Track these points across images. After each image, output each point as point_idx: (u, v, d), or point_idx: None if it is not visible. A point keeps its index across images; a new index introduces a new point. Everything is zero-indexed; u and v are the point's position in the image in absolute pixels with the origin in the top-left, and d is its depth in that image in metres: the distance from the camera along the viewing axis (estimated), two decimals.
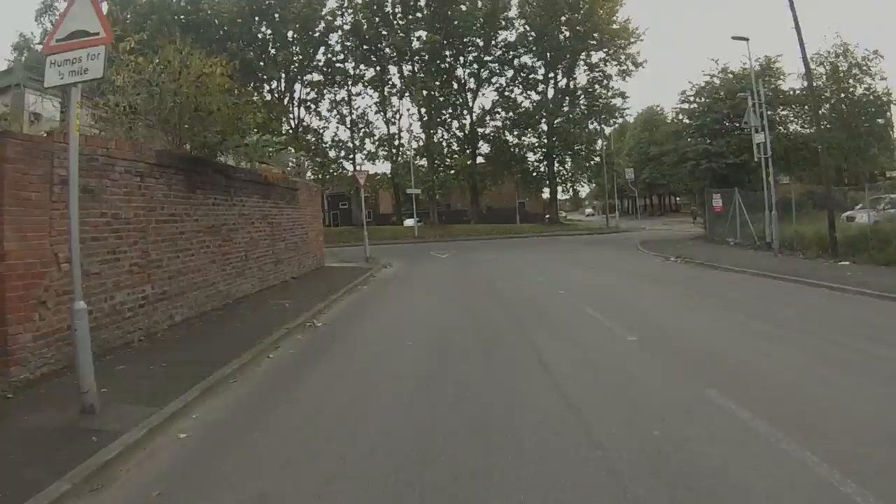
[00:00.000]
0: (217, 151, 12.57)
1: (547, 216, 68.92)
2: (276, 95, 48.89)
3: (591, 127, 48.19)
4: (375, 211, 77.62)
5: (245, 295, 14.30)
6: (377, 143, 50.44)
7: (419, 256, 27.78)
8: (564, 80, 49.17)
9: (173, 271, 11.05)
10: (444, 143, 51.25)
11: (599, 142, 47.11)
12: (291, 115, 50.56)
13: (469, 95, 51.47)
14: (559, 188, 51.20)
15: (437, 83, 46.62)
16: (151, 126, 11.99)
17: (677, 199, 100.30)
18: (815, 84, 28.49)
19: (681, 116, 31.39)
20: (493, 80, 51.62)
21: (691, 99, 30.87)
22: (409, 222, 57.96)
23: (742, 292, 13.36)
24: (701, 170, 27.79)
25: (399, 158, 49.60)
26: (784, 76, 29.08)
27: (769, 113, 28.67)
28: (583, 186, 50.63)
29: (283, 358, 8.66)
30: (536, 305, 12.08)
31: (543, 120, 48.02)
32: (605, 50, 46.17)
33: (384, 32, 44.74)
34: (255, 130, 13.89)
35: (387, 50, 47.60)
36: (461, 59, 50.29)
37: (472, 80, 52.05)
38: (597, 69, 47.64)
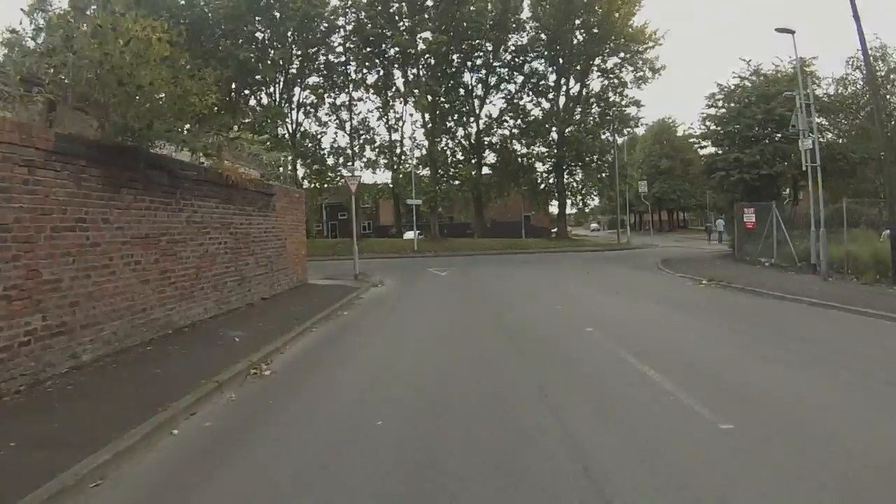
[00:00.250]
0: (150, 140, 9.74)
1: (554, 231, 66.29)
2: (274, 99, 46.16)
3: (603, 136, 45.45)
4: (375, 222, 75.04)
5: (192, 322, 11.48)
6: (377, 150, 47.67)
7: (416, 273, 25.01)
8: (577, 87, 46.59)
9: (80, 295, 8.25)
10: (449, 153, 48.51)
11: (612, 152, 44.22)
12: (289, 119, 47.87)
13: (476, 102, 48.85)
14: (568, 201, 48.34)
15: (443, 88, 43.90)
16: (78, 107, 9.36)
17: (685, 215, 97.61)
18: (848, 90, 25.66)
19: (707, 123, 28.54)
20: (502, 86, 49.03)
21: (719, 103, 28.04)
22: (409, 235, 55.28)
23: (819, 330, 10.55)
24: (732, 181, 24.91)
25: (400, 167, 46.79)
26: (819, 81, 26.22)
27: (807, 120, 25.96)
28: (593, 200, 47.77)
29: (190, 439, 5.79)
30: (562, 352, 9.12)
31: (554, 129, 45.28)
32: (621, 55, 43.50)
33: (388, 33, 41.98)
34: (204, 115, 11.00)
35: (391, 52, 44.93)
36: (469, 63, 47.66)
37: (479, 86, 49.50)
38: (611, 75, 44.99)
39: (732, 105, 26.51)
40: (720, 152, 26.66)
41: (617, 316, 12.46)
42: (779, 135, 25.13)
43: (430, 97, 42.07)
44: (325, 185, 49.34)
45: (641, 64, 43.73)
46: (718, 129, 27.11)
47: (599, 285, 18.76)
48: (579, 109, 45.78)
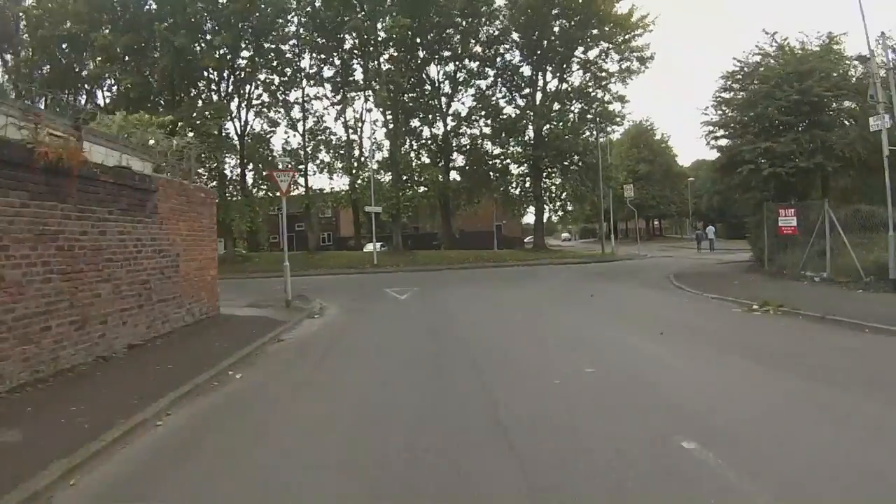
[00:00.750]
0: None
1: (528, 241, 61.72)
2: (220, 95, 40.68)
3: (584, 135, 40.92)
4: (335, 233, 69.74)
5: None
6: (333, 152, 42.47)
7: (370, 296, 20.02)
8: (555, 82, 42.05)
9: None
10: (413, 155, 43.58)
11: (595, 152, 39.67)
12: (237, 119, 42.43)
13: (443, 100, 44.01)
14: (546, 208, 43.57)
15: (406, 82, 38.92)
16: None
17: (661, 222, 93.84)
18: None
19: (723, 109, 23.84)
20: (472, 82, 44.25)
21: (736, 86, 23.40)
22: (370, 247, 50.20)
23: None
24: (763, 176, 20.29)
25: (359, 171, 41.59)
26: (849, 61, 21.84)
27: (833, 106, 21.64)
28: (571, 206, 42.78)
29: None
30: None
31: (530, 126, 40.64)
32: (604, 45, 39.07)
33: (346, 19, 36.81)
34: None
35: (349, 42, 39.91)
36: (436, 56, 42.89)
37: (447, 82, 44.71)
38: (593, 66, 40.50)
39: (756, 85, 21.93)
40: (739, 142, 21.98)
41: (712, 401, 6.75)
42: (805, 121, 20.81)
43: (391, 90, 37.00)
44: (277, 193, 43.84)
45: (628, 53, 39.36)
46: (738, 115, 22.41)
47: (621, 317, 13.81)
48: (557, 106, 41.23)
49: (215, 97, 40.06)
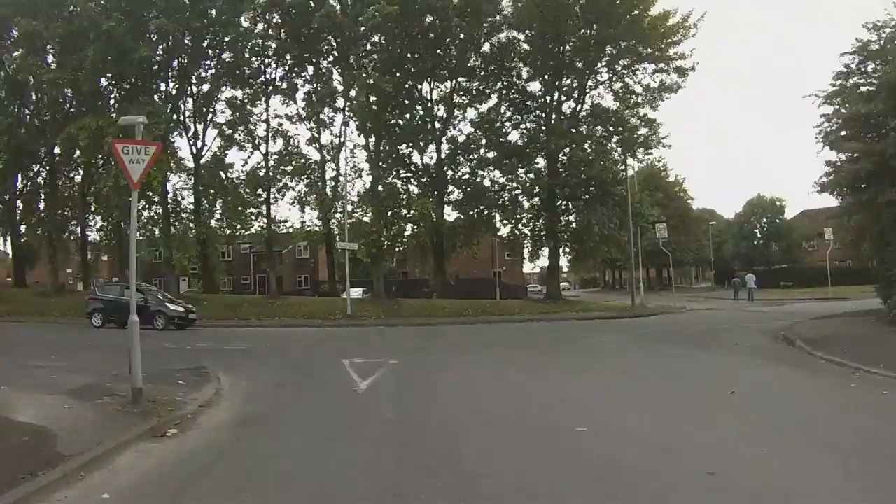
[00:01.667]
0: None
1: (533, 289, 54.26)
2: (164, 97, 33.42)
3: (612, 160, 33.54)
4: (313, 276, 61.95)
5: None
6: (306, 178, 34.94)
7: (313, 376, 12.03)
8: (571, 102, 34.90)
9: None
10: (400, 185, 36.23)
11: (624, 182, 32.14)
12: (186, 133, 35.09)
13: (437, 124, 36.78)
14: (562, 249, 35.46)
15: (392, 92, 31.50)
16: None
17: (670, 272, 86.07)
18: None
19: (838, 102, 16.76)
20: (472, 105, 37.20)
21: (862, 67, 16.21)
22: (354, 293, 42.32)
23: None
24: None
25: (334, 202, 33.94)
26: None
27: None
28: (603, 248, 34.33)
29: None
30: None
31: (542, 152, 33.37)
32: (639, 50, 31.74)
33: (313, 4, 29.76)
34: None
35: (323, 39, 32.84)
36: (428, 77, 35.93)
37: (441, 105, 37.71)
38: (622, 78, 33.36)
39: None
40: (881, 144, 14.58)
41: None
42: None
43: (372, 102, 29.66)
44: (241, 229, 36.12)
45: (663, 64, 32.27)
46: (883, 102, 15.01)
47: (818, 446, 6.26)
48: (582, 128, 33.97)
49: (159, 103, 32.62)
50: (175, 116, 34.04)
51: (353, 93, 30.20)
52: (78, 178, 37.95)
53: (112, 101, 34.57)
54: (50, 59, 34.13)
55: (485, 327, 24.75)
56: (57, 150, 34.85)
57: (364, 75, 28.48)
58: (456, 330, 23.69)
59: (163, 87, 34.21)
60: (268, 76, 35.60)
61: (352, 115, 31.76)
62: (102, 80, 33.40)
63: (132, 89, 32.85)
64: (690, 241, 68.55)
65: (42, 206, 37.53)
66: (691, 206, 71.36)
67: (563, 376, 11.48)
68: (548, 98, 34.47)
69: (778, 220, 65.11)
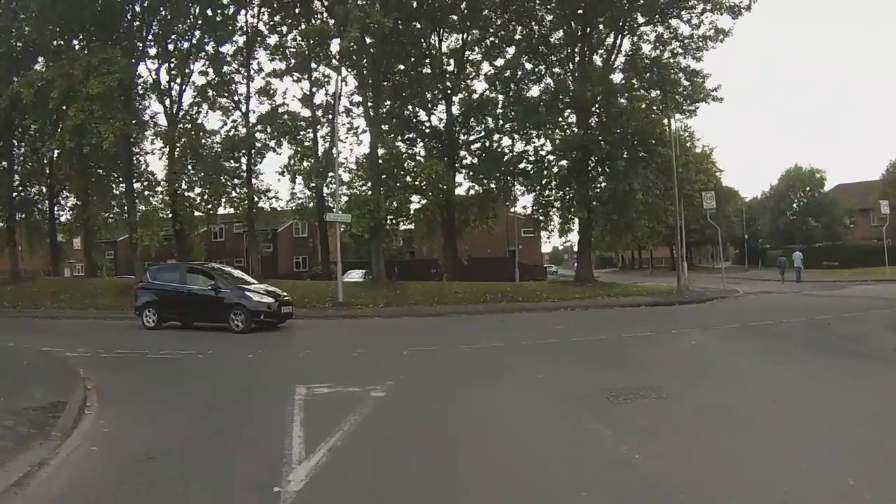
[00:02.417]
0: None
1: (556, 270, 49.32)
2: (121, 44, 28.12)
3: (656, 111, 27.79)
4: (312, 257, 56.76)
5: None
6: (284, 134, 29.75)
7: (230, 434, 6.67)
8: (603, 52, 29.18)
9: None
10: (404, 147, 31.10)
11: (670, 142, 26.64)
12: (161, 96, 30.21)
13: (447, 83, 31.41)
14: (596, 221, 29.60)
15: (392, 28, 25.37)
16: None
17: (692, 250, 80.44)
18: None
19: None
20: (488, 59, 31.89)
21: None
22: (354, 275, 37.37)
23: None
24: None
25: (327, 169, 28.60)
26: None
27: None
28: (647, 222, 28.08)
29: None
30: None
31: (571, 107, 27.87)
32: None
33: None
34: None
35: None
36: (439, 27, 30.68)
37: (452, 61, 32.35)
38: (668, 16, 27.39)
39: None
40: None
41: None
42: None
43: (371, 30, 24.04)
44: (221, 203, 31.12)
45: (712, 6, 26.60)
46: None
47: None
48: (620, 76, 28.28)
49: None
50: (146, 72, 29.37)
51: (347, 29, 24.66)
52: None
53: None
54: None
55: (510, 319, 19.42)
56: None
57: (359, 13, 23.02)
58: (474, 324, 18.49)
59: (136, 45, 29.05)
60: (250, 22, 30.78)
61: (344, 59, 26.45)
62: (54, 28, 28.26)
63: (88, 37, 27.78)
64: (720, 217, 62.98)
65: None
66: (720, 181, 65.84)
67: (701, 430, 6.30)
68: (576, 48, 28.81)
69: (817, 195, 59.21)
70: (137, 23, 28.53)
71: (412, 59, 30.66)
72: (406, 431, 6.39)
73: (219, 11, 29.17)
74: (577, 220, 28.15)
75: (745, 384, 8.57)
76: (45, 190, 34.79)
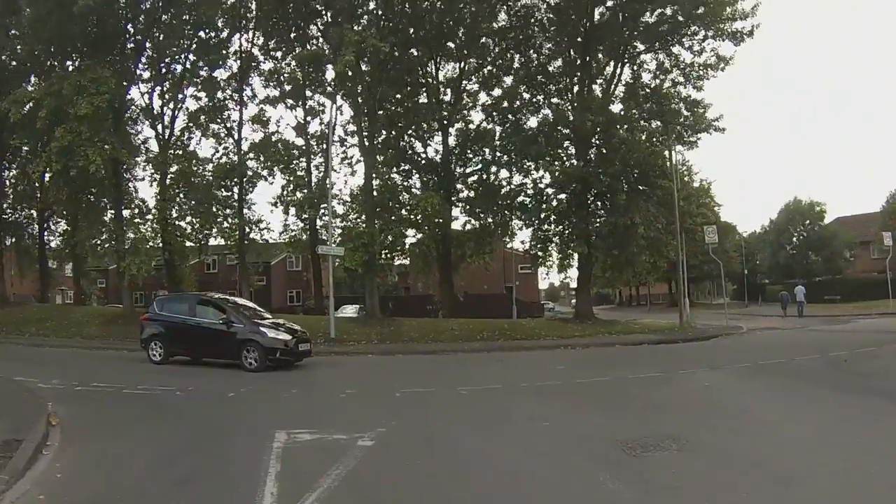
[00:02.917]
0: None
1: (552, 307, 48.74)
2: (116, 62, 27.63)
3: (657, 142, 27.28)
4: (306, 291, 55.94)
5: None
6: (277, 162, 29.32)
7: (195, 489, 5.95)
8: (602, 83, 28.87)
9: None
10: (399, 179, 30.68)
11: (671, 174, 26.12)
12: (152, 115, 29.70)
13: (444, 112, 31.10)
14: (595, 257, 28.70)
15: (388, 53, 24.92)
16: None
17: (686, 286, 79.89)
18: None
19: None
20: (485, 89, 31.79)
21: None
22: (349, 310, 36.68)
23: None
24: None
25: (320, 201, 27.98)
26: None
27: None
28: (649, 258, 27.23)
29: None
30: None
31: (570, 137, 27.44)
32: (689, 9, 25.64)
33: None
34: None
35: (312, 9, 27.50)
36: (436, 56, 30.53)
37: (449, 91, 32.10)
38: (669, 44, 27.00)
39: None
40: None
41: None
42: None
43: (366, 54, 23.58)
44: (213, 233, 30.40)
45: (713, 32, 26.24)
46: None
47: None
48: (619, 106, 27.89)
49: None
50: (138, 96, 28.96)
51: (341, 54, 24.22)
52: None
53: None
54: None
55: (509, 357, 18.60)
56: None
57: (355, 36, 22.65)
58: (470, 362, 17.65)
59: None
60: (244, 46, 30.51)
61: (339, 87, 26.03)
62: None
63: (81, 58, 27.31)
64: (719, 252, 62.46)
65: None
66: (719, 215, 65.52)
67: (737, 489, 5.36)
68: (574, 78, 28.48)
69: (817, 228, 58.86)
70: (131, 45, 28.08)
71: (408, 88, 30.44)
72: (396, 491, 5.56)
73: (212, 35, 28.94)
74: (576, 256, 27.42)
75: (771, 431, 7.77)
76: (34, 213, 34.24)
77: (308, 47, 27.95)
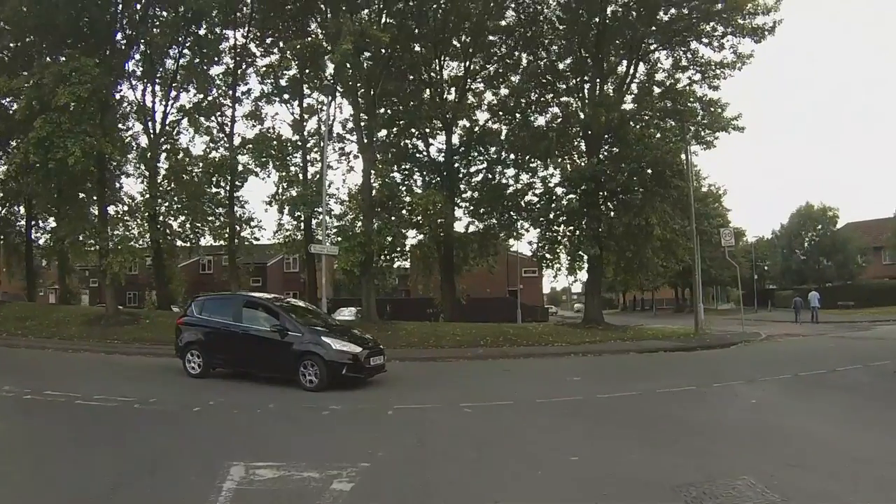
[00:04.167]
0: None
1: (556, 311, 47.22)
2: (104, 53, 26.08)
3: (672, 141, 25.82)
4: (303, 294, 54.64)
5: None
6: (270, 156, 27.80)
7: None
8: (614, 78, 27.40)
9: None
10: (400, 178, 29.29)
11: (687, 174, 24.62)
12: (143, 111, 28.23)
13: (447, 112, 29.65)
14: (606, 259, 27.18)
15: (389, 45, 23.39)
16: None
17: (685, 292, 78.49)
18: None
19: None
20: (491, 88, 30.39)
21: None
22: (347, 313, 35.14)
23: None
24: None
25: (315, 198, 26.47)
26: None
27: None
28: (663, 261, 25.80)
29: None
30: None
31: (580, 136, 26.00)
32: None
33: None
34: None
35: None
36: (441, 55, 29.17)
37: (453, 90, 30.65)
38: (688, 40, 25.60)
39: None
40: None
41: None
42: None
43: (365, 45, 22.11)
44: (204, 232, 28.96)
45: (732, 29, 24.80)
46: None
47: None
48: (632, 105, 26.43)
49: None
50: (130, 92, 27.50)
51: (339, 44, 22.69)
52: None
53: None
54: None
55: (516, 366, 17.02)
56: None
57: (354, 25, 21.19)
58: (474, 372, 16.07)
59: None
60: (240, 41, 29.02)
61: (336, 74, 24.50)
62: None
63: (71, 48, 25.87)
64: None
65: None
66: (729, 220, 64.01)
67: None
68: (585, 77, 27.02)
69: (829, 233, 57.33)
70: (123, 40, 26.62)
71: (410, 89, 29.10)
72: None
73: (207, 29, 27.43)
74: (586, 258, 25.88)
75: (868, 467, 6.16)
76: (22, 210, 32.95)
77: (304, 35, 26.53)
